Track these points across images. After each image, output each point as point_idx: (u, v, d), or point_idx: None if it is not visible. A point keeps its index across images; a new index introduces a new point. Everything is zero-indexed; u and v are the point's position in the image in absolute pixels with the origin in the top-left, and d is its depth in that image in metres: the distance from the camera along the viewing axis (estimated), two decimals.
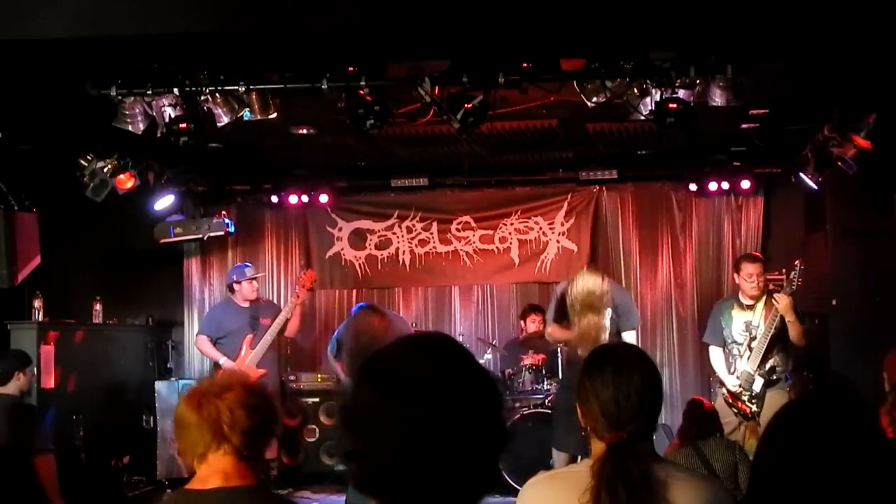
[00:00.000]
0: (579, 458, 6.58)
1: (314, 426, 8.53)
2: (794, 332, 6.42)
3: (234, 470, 2.11)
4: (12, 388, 5.66)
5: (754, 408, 6.48)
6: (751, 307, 6.59)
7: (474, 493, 1.34)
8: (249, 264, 8.33)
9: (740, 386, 6.53)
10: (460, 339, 8.70)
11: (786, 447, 1.55)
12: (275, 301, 8.97)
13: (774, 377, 6.48)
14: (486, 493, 1.35)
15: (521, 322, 8.52)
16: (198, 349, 8.32)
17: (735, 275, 6.73)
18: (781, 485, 1.52)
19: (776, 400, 6.42)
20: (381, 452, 1.30)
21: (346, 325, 7.70)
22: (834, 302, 7.52)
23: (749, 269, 6.55)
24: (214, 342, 7.90)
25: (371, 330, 6.72)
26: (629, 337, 6.52)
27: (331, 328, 9.35)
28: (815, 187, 7.45)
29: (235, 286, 8.04)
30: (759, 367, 6.45)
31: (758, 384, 6.45)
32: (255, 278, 8.05)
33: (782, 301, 6.30)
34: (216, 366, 7.83)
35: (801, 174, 7.45)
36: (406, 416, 1.29)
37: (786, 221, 8.72)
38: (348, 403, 1.36)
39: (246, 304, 7.99)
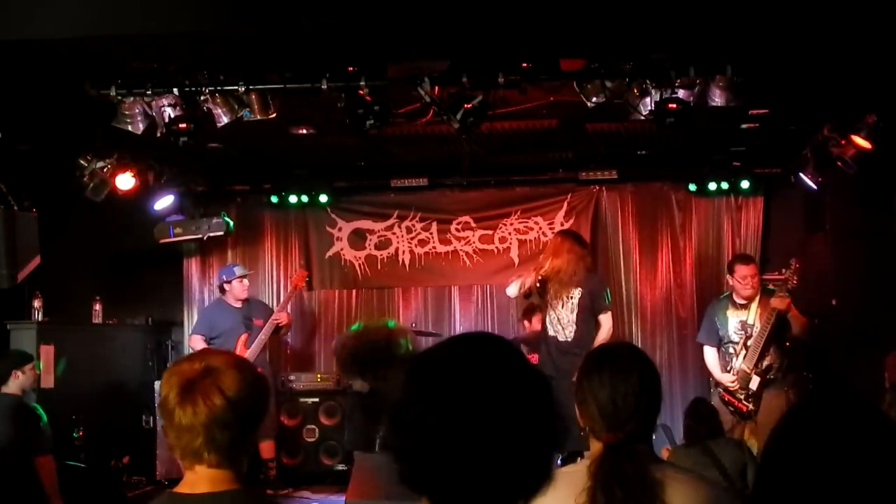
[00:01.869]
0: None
1: (314, 426, 8.53)
2: (797, 326, 6.47)
3: (223, 473, 2.10)
4: (13, 387, 5.67)
5: (751, 406, 6.51)
6: (745, 306, 6.63)
7: (522, 490, 1.35)
8: (238, 264, 8.34)
9: (737, 384, 6.55)
10: None
11: (794, 452, 1.53)
12: (275, 301, 8.98)
13: (770, 376, 6.50)
14: (534, 491, 1.36)
15: (526, 322, 8.48)
16: (191, 348, 8.32)
17: (728, 276, 6.76)
18: (790, 489, 1.50)
19: (773, 399, 6.45)
20: (427, 450, 1.31)
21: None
22: (834, 302, 7.52)
23: (743, 271, 6.59)
24: (208, 342, 7.90)
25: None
26: (605, 319, 6.85)
27: (330, 328, 9.36)
28: (815, 187, 7.45)
29: (226, 286, 8.07)
30: (755, 365, 6.47)
31: (754, 383, 6.48)
32: (245, 276, 8.05)
33: (783, 303, 6.33)
34: None
35: (801, 174, 7.45)
36: (447, 414, 1.31)
37: (786, 221, 8.70)
38: (396, 402, 1.39)
39: (238, 305, 8.00)
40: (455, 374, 1.35)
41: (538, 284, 6.79)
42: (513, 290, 7.04)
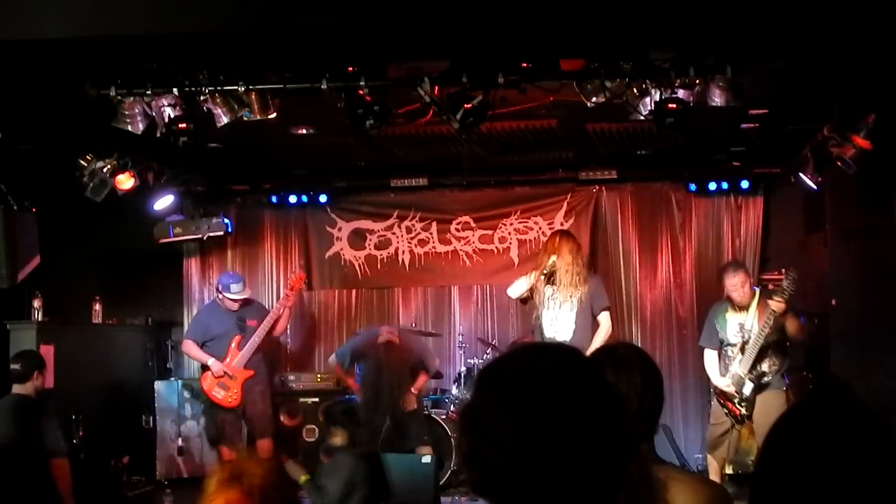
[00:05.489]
0: None
1: (314, 426, 8.53)
2: (792, 327, 6.48)
3: None
4: (30, 388, 5.67)
5: (744, 411, 6.54)
6: (744, 308, 6.64)
7: (593, 500, 1.34)
8: (239, 280, 8.01)
9: (732, 388, 6.57)
10: (460, 339, 8.76)
11: (791, 453, 1.53)
12: (274, 301, 8.97)
13: (764, 381, 6.52)
14: (606, 501, 1.35)
15: None
16: (184, 352, 8.29)
17: (722, 285, 6.79)
18: (787, 490, 1.50)
19: (772, 400, 6.46)
20: (499, 457, 1.31)
21: (367, 345, 7.82)
22: (833, 302, 7.52)
23: (732, 280, 6.62)
24: (202, 345, 7.86)
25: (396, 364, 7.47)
26: (604, 318, 6.84)
27: (330, 328, 9.36)
28: (815, 187, 7.45)
29: (219, 295, 7.98)
30: (749, 370, 6.49)
31: (747, 388, 6.51)
32: (237, 299, 7.85)
33: (779, 307, 6.34)
34: (204, 368, 7.77)
35: (801, 174, 7.45)
36: (521, 423, 1.30)
37: (785, 221, 8.71)
38: (468, 407, 1.38)
39: (233, 308, 7.94)
40: (532, 383, 1.34)
41: (543, 282, 6.76)
42: (515, 290, 7.00)
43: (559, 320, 6.75)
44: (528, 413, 1.30)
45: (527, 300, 6.99)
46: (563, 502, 1.31)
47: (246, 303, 8.07)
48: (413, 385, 7.70)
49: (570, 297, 6.71)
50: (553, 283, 6.73)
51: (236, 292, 7.86)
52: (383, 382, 7.55)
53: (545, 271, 6.70)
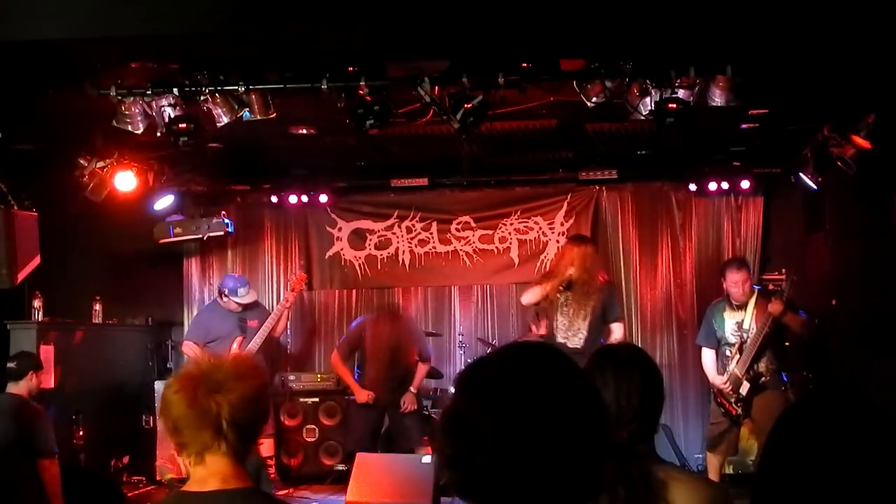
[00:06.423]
0: None
1: (314, 426, 8.53)
2: (794, 323, 6.50)
3: (232, 472, 2.12)
4: (23, 387, 5.67)
5: (740, 410, 6.55)
6: (741, 307, 6.64)
7: (573, 498, 1.35)
8: (245, 283, 8.12)
9: (729, 387, 6.58)
10: (460, 339, 8.76)
11: (793, 449, 1.52)
12: (274, 301, 8.97)
13: (761, 381, 6.52)
14: (585, 499, 1.36)
15: (533, 327, 8.34)
16: (184, 353, 8.29)
17: (721, 279, 6.78)
18: (790, 487, 1.50)
19: (771, 400, 6.47)
20: (481, 458, 1.31)
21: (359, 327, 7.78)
22: (834, 302, 7.52)
23: (734, 276, 6.62)
24: (203, 346, 7.85)
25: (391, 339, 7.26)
26: (617, 328, 6.82)
27: (330, 328, 9.36)
28: (815, 187, 7.45)
29: (222, 297, 7.98)
30: (746, 371, 6.50)
31: (744, 388, 6.53)
32: (242, 304, 7.93)
33: (778, 308, 6.35)
34: None
35: (801, 174, 7.45)
36: (502, 423, 1.31)
37: (786, 221, 8.71)
38: (449, 409, 1.38)
39: (235, 310, 7.94)
40: (510, 384, 1.35)
41: (560, 292, 6.71)
42: (529, 298, 6.95)
43: (572, 328, 6.71)
44: (508, 413, 1.31)
45: (538, 303, 6.94)
46: (545, 501, 1.31)
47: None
48: (414, 348, 7.63)
49: (585, 306, 6.68)
50: (568, 290, 6.68)
51: (243, 296, 7.91)
52: (383, 346, 7.51)
53: (563, 286, 6.65)
